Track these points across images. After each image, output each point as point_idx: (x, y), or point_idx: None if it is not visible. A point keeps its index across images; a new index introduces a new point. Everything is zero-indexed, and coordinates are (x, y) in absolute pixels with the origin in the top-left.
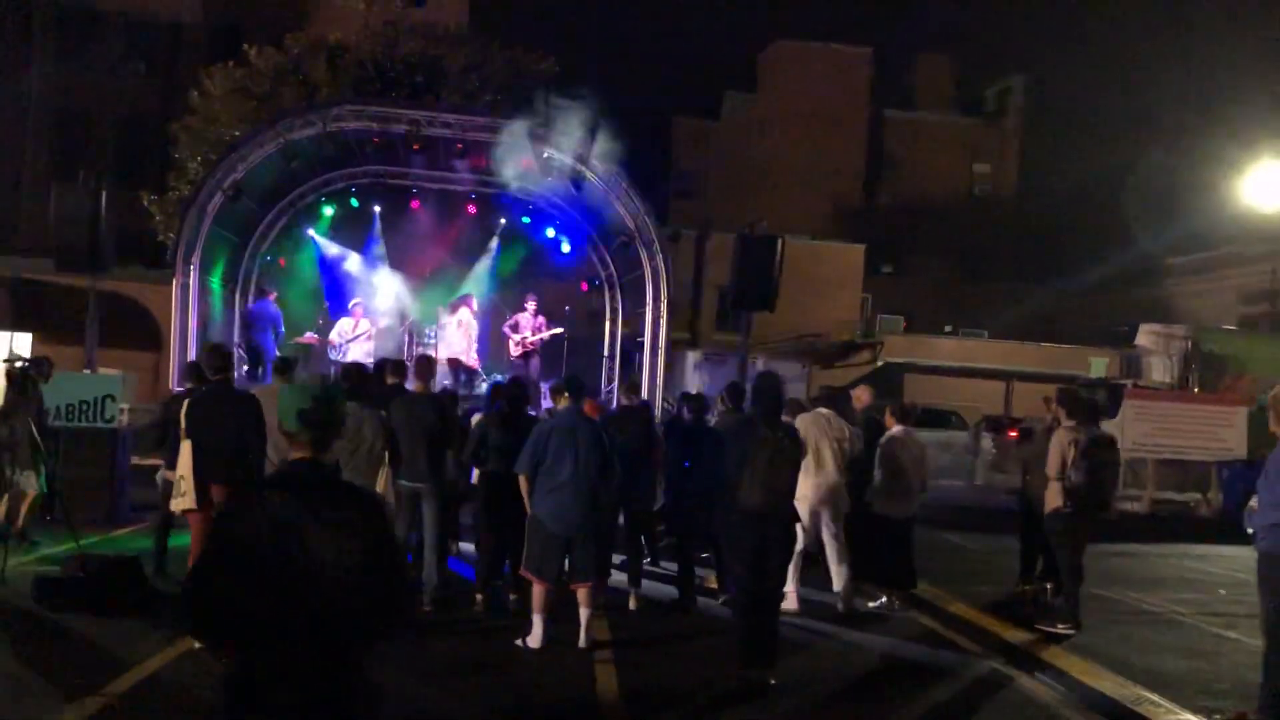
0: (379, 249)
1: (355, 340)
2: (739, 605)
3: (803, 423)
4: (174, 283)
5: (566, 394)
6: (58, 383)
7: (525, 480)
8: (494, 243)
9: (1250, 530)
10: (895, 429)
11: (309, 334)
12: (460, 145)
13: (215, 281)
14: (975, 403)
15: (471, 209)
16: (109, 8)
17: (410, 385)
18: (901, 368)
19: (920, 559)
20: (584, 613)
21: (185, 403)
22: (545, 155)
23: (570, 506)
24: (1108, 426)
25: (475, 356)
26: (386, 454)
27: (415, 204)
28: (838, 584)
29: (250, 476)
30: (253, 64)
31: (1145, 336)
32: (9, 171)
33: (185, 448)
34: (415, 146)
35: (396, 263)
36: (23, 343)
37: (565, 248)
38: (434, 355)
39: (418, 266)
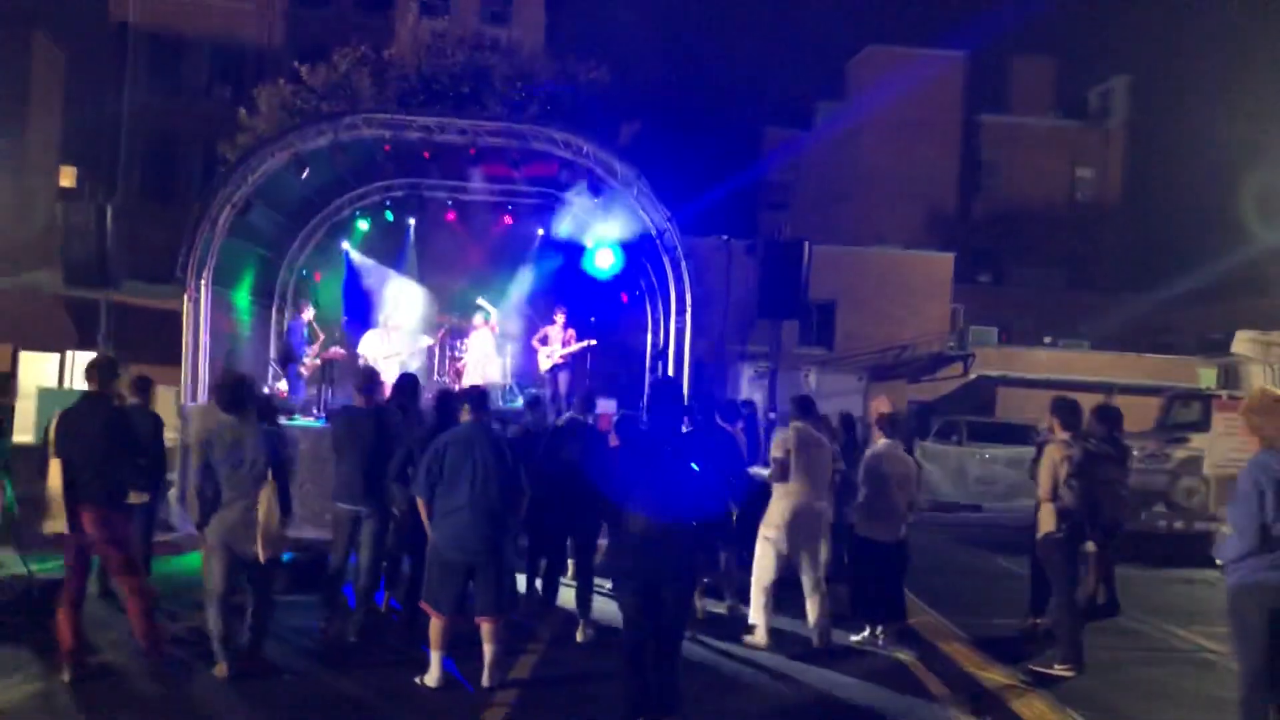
0: (411, 262)
1: (390, 359)
2: (623, 649)
3: (779, 436)
4: (184, 298)
5: (466, 406)
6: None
7: (422, 503)
8: (532, 253)
9: (1220, 562)
10: (881, 442)
11: (334, 348)
12: (473, 151)
13: (241, 297)
14: None
15: (508, 219)
16: (197, 33)
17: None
18: (994, 381)
19: (955, 585)
20: (488, 649)
21: (54, 418)
22: (562, 159)
23: (468, 530)
24: (1199, 441)
25: (494, 373)
26: (270, 472)
27: (451, 216)
28: (812, 615)
29: (122, 498)
30: (304, 81)
31: (1243, 344)
32: (101, 197)
33: (54, 466)
34: (426, 155)
35: (429, 275)
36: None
37: (606, 259)
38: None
39: (451, 279)
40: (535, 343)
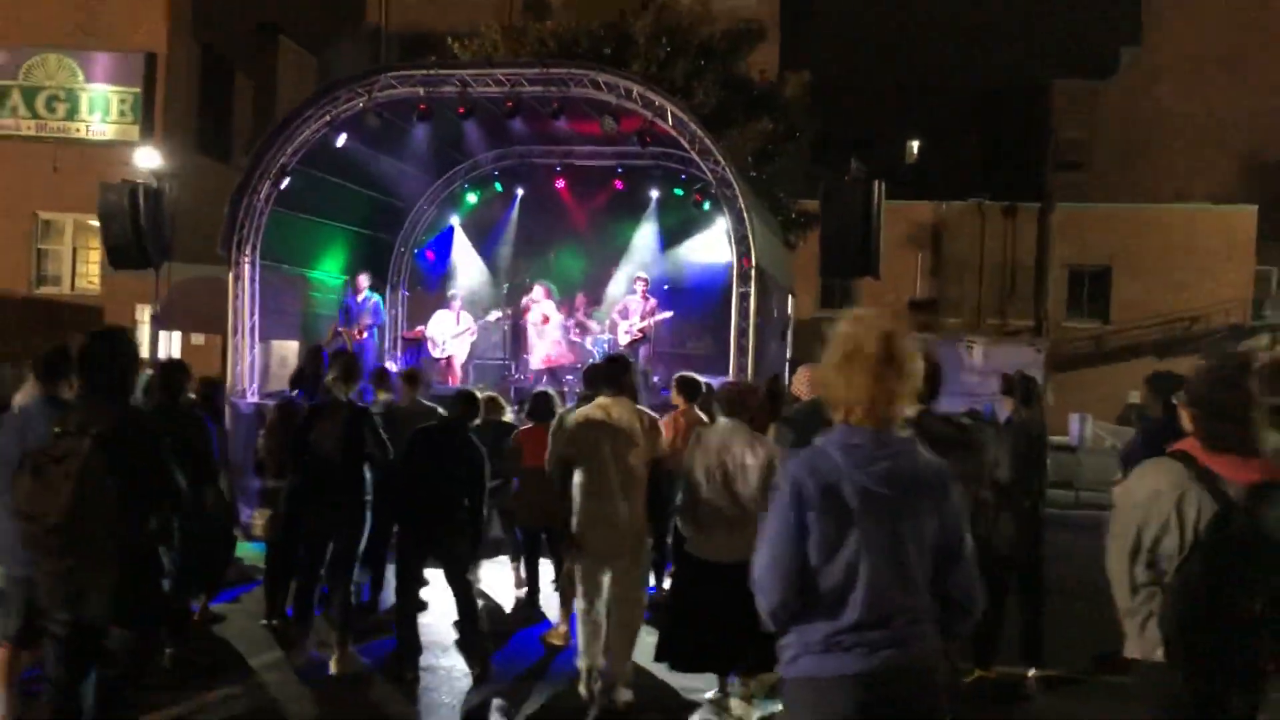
0: (508, 235)
1: (459, 337)
2: None
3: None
4: (229, 275)
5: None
6: None
7: None
8: (646, 219)
9: None
10: (721, 422)
11: (419, 327)
12: (510, 104)
13: (327, 275)
14: None
15: (619, 184)
16: (442, 29)
17: None
18: None
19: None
20: None
21: None
22: (610, 107)
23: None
24: None
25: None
26: None
27: (559, 183)
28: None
29: None
30: (457, 56)
31: None
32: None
33: None
34: (460, 110)
35: (526, 249)
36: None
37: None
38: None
39: (550, 250)
40: (615, 315)
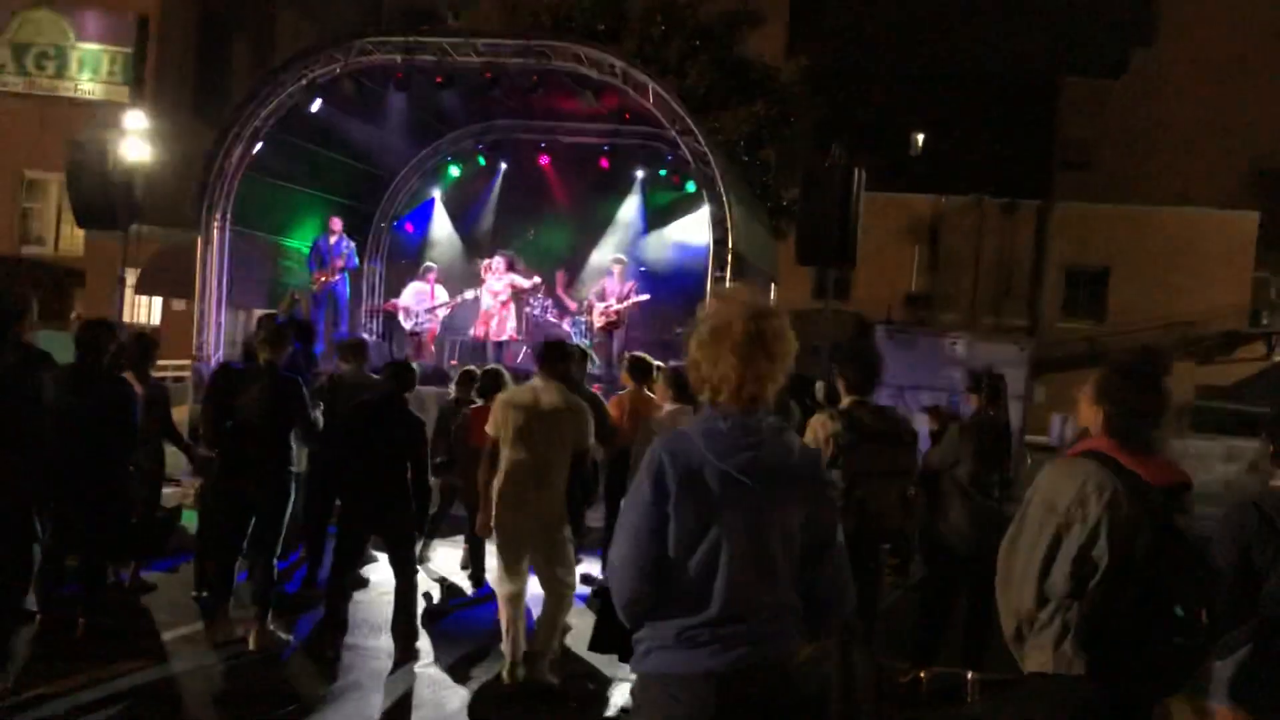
0: (489, 210)
1: (434, 310)
2: None
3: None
4: (198, 241)
5: None
6: None
7: None
8: (630, 199)
9: None
10: (667, 407)
11: (393, 300)
12: (490, 74)
13: (299, 243)
14: None
15: (604, 163)
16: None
17: None
18: None
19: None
20: None
21: None
22: (592, 82)
23: None
24: None
25: (507, 329)
26: None
27: (544, 160)
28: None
29: None
30: (450, 26)
31: None
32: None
33: None
34: (438, 80)
35: (506, 224)
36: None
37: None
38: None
39: (531, 226)
40: (591, 297)
